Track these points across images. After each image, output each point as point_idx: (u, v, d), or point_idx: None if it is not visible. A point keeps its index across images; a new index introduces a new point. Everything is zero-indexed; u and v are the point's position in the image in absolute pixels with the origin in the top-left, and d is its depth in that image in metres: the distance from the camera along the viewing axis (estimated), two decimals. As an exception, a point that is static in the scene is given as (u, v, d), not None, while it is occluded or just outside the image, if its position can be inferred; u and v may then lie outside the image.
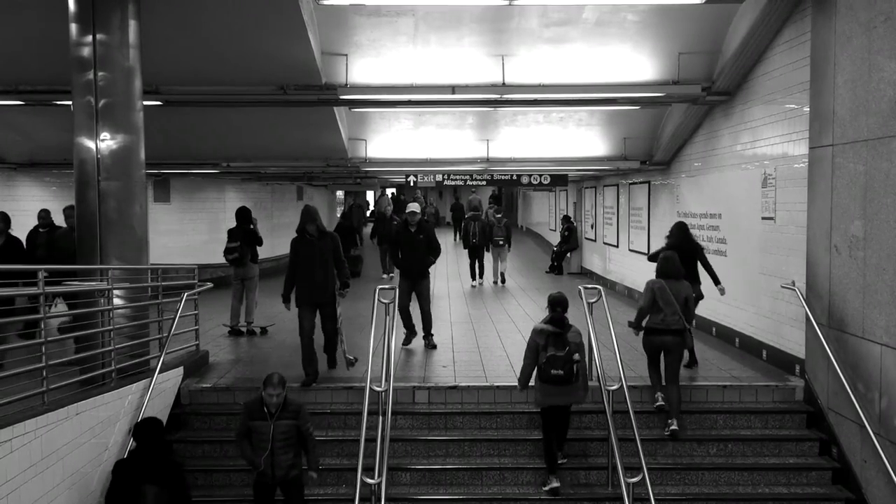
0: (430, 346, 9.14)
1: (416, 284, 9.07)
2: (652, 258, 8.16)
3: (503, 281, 16.14)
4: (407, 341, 9.13)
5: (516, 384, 7.00)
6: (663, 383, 7.02)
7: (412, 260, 9.06)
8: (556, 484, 6.41)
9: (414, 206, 9.46)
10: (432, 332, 9.25)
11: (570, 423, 6.74)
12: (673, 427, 6.83)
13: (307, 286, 7.55)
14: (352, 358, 7.72)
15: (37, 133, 12.04)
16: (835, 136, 6.49)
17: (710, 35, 8.65)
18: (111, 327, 6.46)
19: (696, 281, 7.94)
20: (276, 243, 20.02)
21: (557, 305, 6.39)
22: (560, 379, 6.20)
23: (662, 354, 7.03)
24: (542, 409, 6.46)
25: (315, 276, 7.50)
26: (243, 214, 10.32)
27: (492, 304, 13.12)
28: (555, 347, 6.24)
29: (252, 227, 10.25)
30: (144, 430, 5.28)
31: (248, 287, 10.24)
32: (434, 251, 9.23)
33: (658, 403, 7.01)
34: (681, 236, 8.23)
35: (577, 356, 6.25)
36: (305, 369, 7.50)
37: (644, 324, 7.14)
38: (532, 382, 6.55)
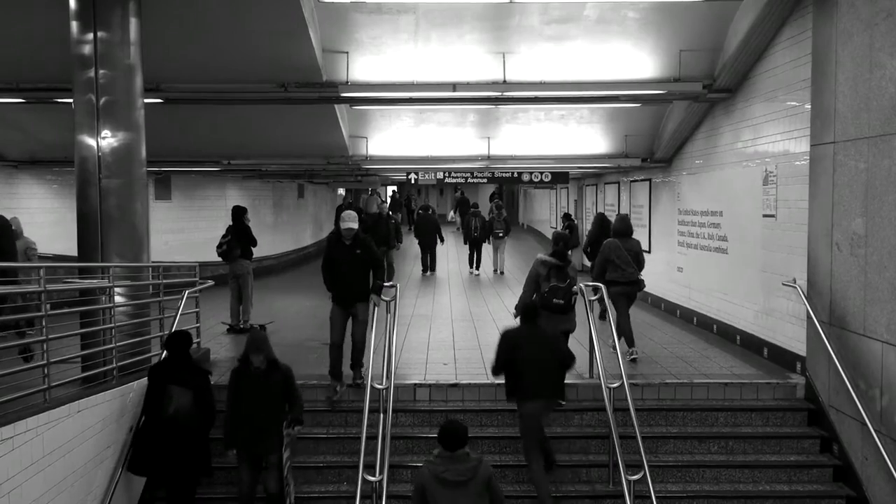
0: (356, 380, 7.25)
1: (351, 310, 7.20)
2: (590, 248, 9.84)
3: (502, 272, 17.07)
4: (333, 394, 7.21)
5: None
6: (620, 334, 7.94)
7: (344, 284, 7.18)
8: None
9: (349, 220, 7.14)
10: (363, 363, 7.20)
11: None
12: (635, 356, 8.00)
13: (246, 435, 5.79)
14: None
15: (38, 131, 12.03)
16: (836, 134, 6.48)
17: (712, 32, 8.64)
18: (112, 325, 6.46)
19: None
20: (276, 240, 20.08)
21: (560, 240, 7.13)
22: (560, 308, 6.87)
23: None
24: None
25: (255, 422, 5.78)
26: (236, 212, 10.37)
27: (493, 300, 13.12)
28: (557, 279, 6.89)
29: (246, 223, 10.26)
30: (173, 340, 6.03)
31: (241, 284, 10.19)
32: (377, 271, 7.23)
33: (633, 357, 8.04)
34: (604, 226, 9.77)
35: (576, 288, 6.98)
36: None
37: (607, 278, 8.19)
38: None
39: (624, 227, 8.51)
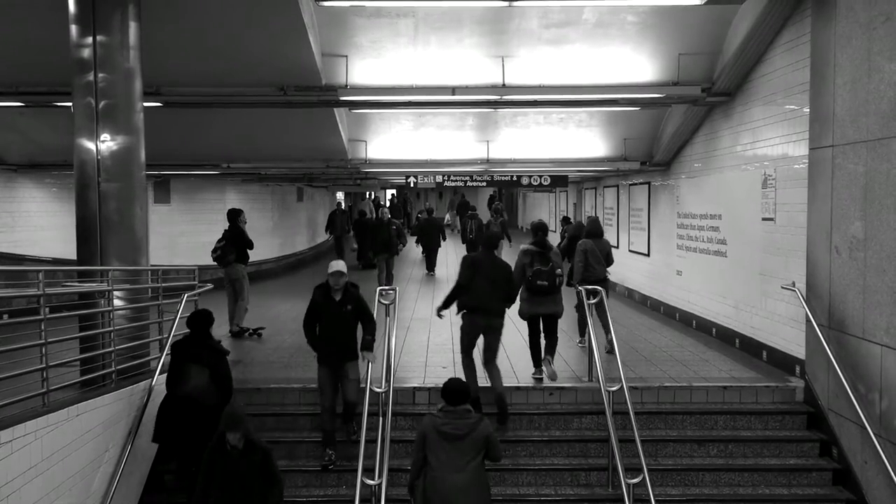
0: (351, 436, 6.81)
1: (340, 371, 6.66)
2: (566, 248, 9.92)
3: None
4: (327, 460, 6.63)
5: (516, 384, 7.02)
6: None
7: (331, 342, 6.63)
8: (540, 375, 7.49)
9: (338, 265, 6.68)
10: (355, 428, 6.73)
11: (557, 336, 7.61)
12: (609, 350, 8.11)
13: None
14: None
15: (37, 134, 12.04)
16: (835, 137, 6.49)
17: (711, 36, 8.66)
18: (111, 328, 6.46)
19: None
20: (275, 243, 20.05)
21: (539, 230, 7.58)
22: (545, 289, 7.26)
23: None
24: (529, 318, 7.49)
25: None
26: (231, 215, 10.36)
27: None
28: (540, 263, 7.32)
29: (241, 226, 10.21)
30: (194, 318, 6.29)
31: (237, 289, 10.11)
32: (368, 327, 6.70)
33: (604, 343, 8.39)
34: (579, 229, 9.93)
35: (559, 271, 7.37)
36: None
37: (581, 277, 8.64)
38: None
39: (596, 229, 9.15)
